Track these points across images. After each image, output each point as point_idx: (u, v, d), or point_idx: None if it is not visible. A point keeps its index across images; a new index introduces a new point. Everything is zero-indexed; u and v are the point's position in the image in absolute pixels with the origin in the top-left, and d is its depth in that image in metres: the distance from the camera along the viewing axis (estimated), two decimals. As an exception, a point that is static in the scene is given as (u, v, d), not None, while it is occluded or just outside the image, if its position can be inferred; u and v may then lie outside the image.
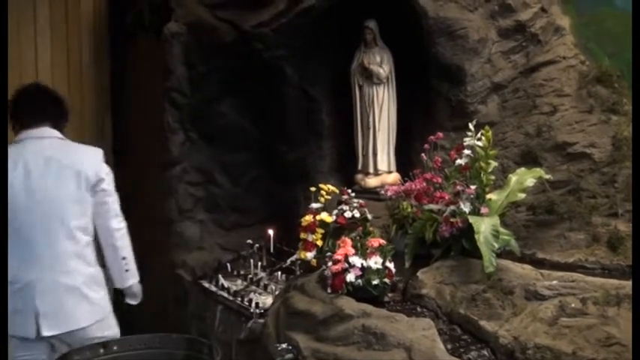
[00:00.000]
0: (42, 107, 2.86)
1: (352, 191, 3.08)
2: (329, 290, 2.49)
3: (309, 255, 2.89)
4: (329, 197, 3.03)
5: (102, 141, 5.55)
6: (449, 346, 2.20)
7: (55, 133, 2.86)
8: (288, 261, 3.46)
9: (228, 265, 3.86)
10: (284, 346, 2.42)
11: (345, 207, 2.92)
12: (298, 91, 3.86)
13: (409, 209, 2.87)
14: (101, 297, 2.79)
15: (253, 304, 3.14)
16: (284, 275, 3.54)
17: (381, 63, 3.48)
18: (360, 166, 3.61)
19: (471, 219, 2.46)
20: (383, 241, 2.58)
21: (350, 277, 2.45)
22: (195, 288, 3.82)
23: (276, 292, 3.17)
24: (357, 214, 2.89)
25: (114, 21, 5.37)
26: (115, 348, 2.59)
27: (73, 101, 5.39)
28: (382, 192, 3.23)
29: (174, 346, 2.68)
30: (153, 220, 4.64)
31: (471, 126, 2.65)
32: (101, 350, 2.59)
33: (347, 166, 3.76)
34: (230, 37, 3.86)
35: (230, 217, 4.21)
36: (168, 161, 4.17)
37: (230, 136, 4.10)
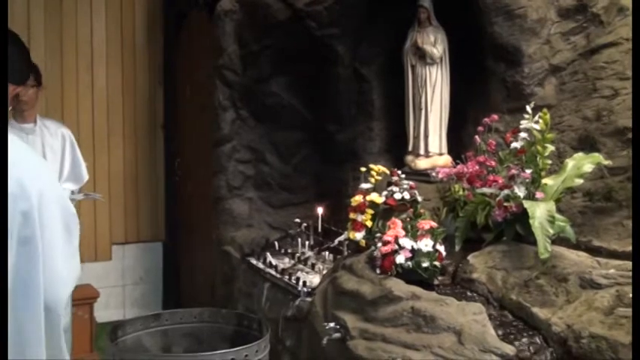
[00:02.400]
0: None
1: (402, 173, 3.05)
2: (378, 271, 2.48)
3: (358, 235, 2.88)
4: (379, 178, 3.01)
5: (152, 116, 5.66)
6: (500, 332, 2.17)
7: None
8: (336, 241, 3.46)
9: (276, 243, 3.89)
10: (332, 325, 2.43)
11: (395, 188, 2.89)
12: (349, 70, 3.82)
13: (461, 192, 2.82)
14: None
15: (301, 283, 3.16)
16: (331, 255, 3.55)
17: (434, 43, 3.41)
18: (410, 148, 3.56)
19: (526, 204, 2.40)
20: (434, 224, 2.56)
21: (400, 258, 2.43)
22: (243, 265, 3.86)
23: (324, 272, 3.18)
24: (406, 196, 2.86)
25: (167, -2, 5.44)
26: (166, 320, 2.66)
27: (125, 77, 5.53)
28: (433, 174, 3.19)
29: (224, 320, 2.74)
30: (202, 196, 4.71)
31: (528, 108, 2.59)
32: (153, 322, 2.67)
33: (397, 148, 3.71)
34: (283, 15, 3.84)
35: (279, 195, 4.23)
36: (219, 139, 4.21)
37: (280, 115, 4.11)
